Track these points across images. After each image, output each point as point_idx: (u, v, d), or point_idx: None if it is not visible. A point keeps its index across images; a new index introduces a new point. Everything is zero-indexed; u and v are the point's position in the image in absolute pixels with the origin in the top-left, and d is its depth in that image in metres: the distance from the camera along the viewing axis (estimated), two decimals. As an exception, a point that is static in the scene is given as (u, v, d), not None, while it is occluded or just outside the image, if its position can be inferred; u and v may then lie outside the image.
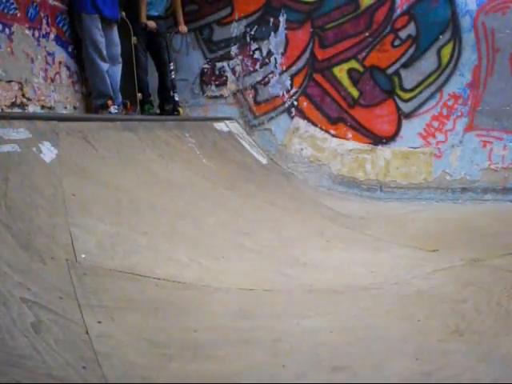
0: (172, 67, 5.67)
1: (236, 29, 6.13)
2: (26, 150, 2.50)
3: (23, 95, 4.07)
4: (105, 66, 4.61)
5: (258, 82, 6.11)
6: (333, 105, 5.80)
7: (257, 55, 6.10)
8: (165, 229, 2.79)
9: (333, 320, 2.07)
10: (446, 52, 5.42)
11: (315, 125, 5.88)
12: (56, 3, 4.56)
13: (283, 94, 6.02)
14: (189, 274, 2.36)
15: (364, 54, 5.67)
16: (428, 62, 5.48)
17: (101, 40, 4.55)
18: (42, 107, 4.32)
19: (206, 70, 6.32)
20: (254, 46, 6.10)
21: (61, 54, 4.63)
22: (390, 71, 5.62)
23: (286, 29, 5.94)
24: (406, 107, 5.61)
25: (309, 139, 5.89)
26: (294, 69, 5.95)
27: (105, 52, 4.60)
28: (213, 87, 6.30)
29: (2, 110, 3.79)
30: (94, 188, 2.76)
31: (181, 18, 5.73)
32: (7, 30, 3.87)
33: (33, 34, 4.20)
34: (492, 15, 5.23)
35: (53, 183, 2.48)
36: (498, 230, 3.78)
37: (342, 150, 5.81)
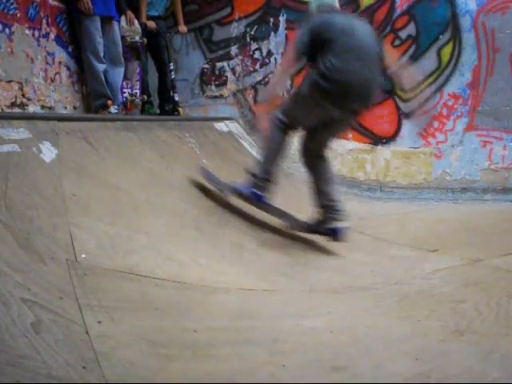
0: (172, 67, 5.67)
1: (236, 29, 6.14)
2: (26, 150, 2.50)
3: (23, 95, 4.07)
4: (101, 66, 4.61)
5: (258, 82, 6.12)
6: (333, 105, 5.80)
7: (257, 55, 6.11)
8: (165, 229, 2.79)
9: (333, 320, 2.07)
10: (446, 52, 5.42)
11: (315, 125, 5.88)
12: (56, 3, 4.56)
13: (283, 94, 6.02)
14: (189, 274, 2.36)
15: (364, 54, 5.67)
16: (428, 62, 5.47)
17: (99, 41, 4.54)
18: (42, 107, 4.32)
19: (205, 69, 6.32)
20: (254, 46, 6.10)
21: (61, 54, 4.63)
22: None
23: (285, 29, 5.94)
24: (406, 107, 5.61)
25: (309, 139, 5.89)
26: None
27: (102, 53, 4.60)
28: (213, 87, 6.31)
29: (1, 110, 3.79)
30: (94, 188, 2.76)
31: (181, 18, 5.72)
32: (7, 30, 3.87)
33: (33, 34, 4.20)
34: (492, 15, 5.23)
35: (53, 183, 2.48)
36: (498, 230, 3.77)
37: (341, 149, 5.80)
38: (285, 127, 3.33)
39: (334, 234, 3.32)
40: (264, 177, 3.33)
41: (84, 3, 4.37)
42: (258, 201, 3.36)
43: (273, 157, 3.38)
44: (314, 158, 3.41)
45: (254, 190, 3.32)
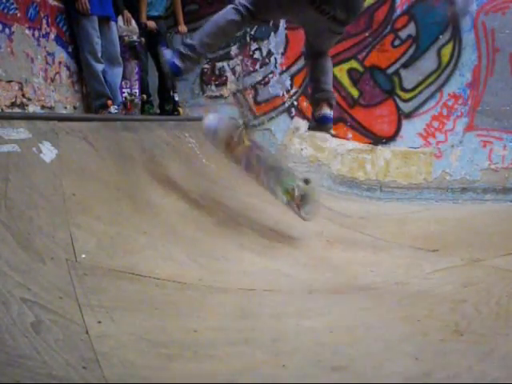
0: (172, 67, 5.67)
1: (236, 29, 6.13)
2: (26, 150, 2.50)
3: (23, 95, 4.07)
4: (99, 66, 4.62)
5: (258, 82, 6.12)
6: (333, 105, 5.80)
7: (257, 55, 6.11)
8: (165, 229, 2.79)
9: (333, 320, 2.07)
10: (446, 52, 5.42)
11: (315, 125, 5.88)
12: (56, 3, 4.56)
13: (283, 94, 6.02)
14: (189, 274, 2.36)
15: (364, 53, 5.67)
16: (428, 62, 5.48)
17: (96, 41, 4.56)
18: (42, 107, 4.32)
19: (205, 69, 6.32)
20: (254, 45, 6.10)
21: (61, 54, 4.63)
22: (390, 71, 5.62)
23: (286, 29, 5.94)
24: (405, 107, 5.61)
25: (309, 139, 5.89)
26: (294, 69, 5.95)
27: (100, 53, 4.61)
28: (213, 87, 6.31)
29: (1, 110, 3.79)
30: (94, 188, 2.76)
31: (181, 18, 5.73)
32: (7, 30, 3.87)
33: (33, 34, 4.20)
34: (492, 15, 5.23)
35: (53, 183, 2.48)
36: (498, 230, 3.77)
37: (342, 149, 5.81)
38: (246, 13, 3.15)
39: (320, 123, 3.40)
40: (193, 45, 3.19)
41: (82, 3, 4.37)
42: (175, 72, 3.27)
43: (214, 32, 3.22)
44: (314, 57, 3.51)
45: (175, 61, 3.20)
